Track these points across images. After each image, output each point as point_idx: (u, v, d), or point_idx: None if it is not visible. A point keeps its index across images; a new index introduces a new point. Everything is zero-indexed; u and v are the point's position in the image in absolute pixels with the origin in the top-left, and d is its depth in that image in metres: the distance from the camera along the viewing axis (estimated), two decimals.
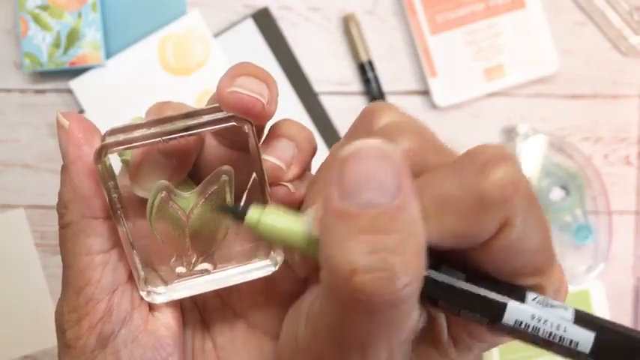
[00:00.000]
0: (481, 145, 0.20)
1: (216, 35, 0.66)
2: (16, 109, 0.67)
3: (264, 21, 0.67)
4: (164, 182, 0.24)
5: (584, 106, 0.69)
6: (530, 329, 0.20)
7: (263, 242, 0.25)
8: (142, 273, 0.24)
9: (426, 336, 0.22)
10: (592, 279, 0.67)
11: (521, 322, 0.20)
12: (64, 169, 0.23)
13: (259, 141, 0.25)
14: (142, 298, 0.24)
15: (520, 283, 0.21)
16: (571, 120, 0.69)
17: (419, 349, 0.22)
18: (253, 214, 0.21)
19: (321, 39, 0.68)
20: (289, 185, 0.25)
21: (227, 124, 0.23)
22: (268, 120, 0.24)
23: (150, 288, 0.24)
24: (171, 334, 0.25)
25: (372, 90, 0.67)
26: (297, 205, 0.25)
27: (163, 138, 0.22)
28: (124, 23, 0.66)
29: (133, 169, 0.24)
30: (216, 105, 0.23)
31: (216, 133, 0.25)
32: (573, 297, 0.67)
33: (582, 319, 0.20)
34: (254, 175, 0.23)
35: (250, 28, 0.67)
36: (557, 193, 0.68)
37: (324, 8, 0.68)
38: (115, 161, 0.23)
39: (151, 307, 0.25)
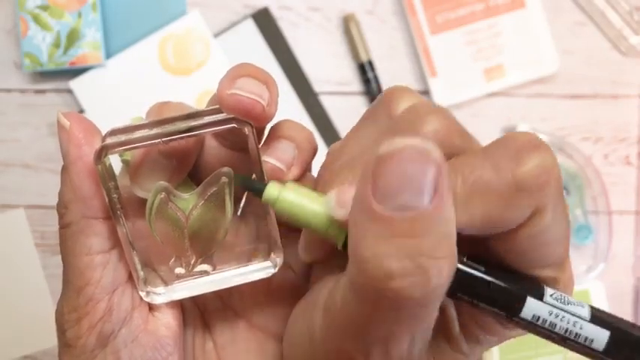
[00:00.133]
0: (514, 132, 0.20)
1: (216, 35, 0.66)
2: (16, 109, 0.67)
3: (264, 21, 0.67)
4: (163, 183, 0.24)
5: (584, 106, 0.69)
6: (547, 324, 0.20)
7: (262, 244, 0.25)
8: (141, 273, 0.24)
9: (438, 329, 0.22)
10: (592, 279, 0.67)
11: (539, 317, 0.20)
12: (65, 169, 0.23)
13: (260, 142, 0.25)
14: (141, 298, 0.24)
15: (536, 274, 0.20)
16: (571, 120, 0.69)
17: (430, 342, 0.21)
18: (273, 189, 0.21)
19: (321, 39, 0.68)
20: None
21: (227, 126, 0.23)
22: (268, 122, 0.24)
23: (149, 288, 0.24)
24: (172, 333, 0.25)
25: (372, 90, 0.67)
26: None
27: (164, 139, 0.22)
28: (124, 23, 0.66)
29: (133, 170, 0.24)
30: (217, 106, 0.23)
31: (216, 135, 0.25)
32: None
33: (598, 317, 0.20)
34: (254, 176, 0.23)
35: (250, 28, 0.67)
36: None
37: (324, 8, 0.68)
38: (115, 161, 0.23)
39: (152, 307, 0.25)
